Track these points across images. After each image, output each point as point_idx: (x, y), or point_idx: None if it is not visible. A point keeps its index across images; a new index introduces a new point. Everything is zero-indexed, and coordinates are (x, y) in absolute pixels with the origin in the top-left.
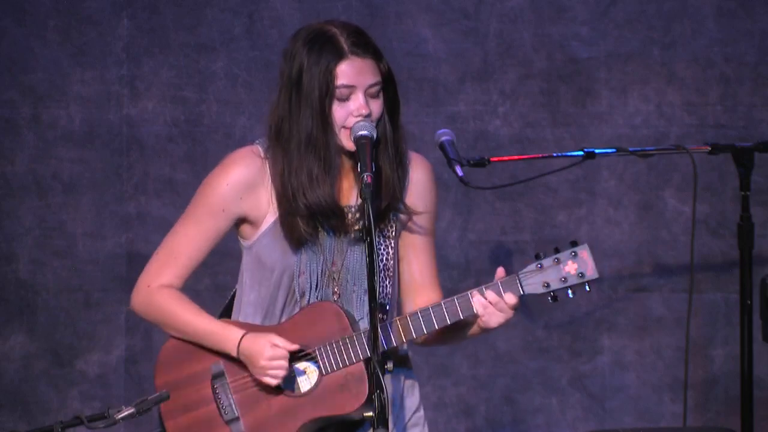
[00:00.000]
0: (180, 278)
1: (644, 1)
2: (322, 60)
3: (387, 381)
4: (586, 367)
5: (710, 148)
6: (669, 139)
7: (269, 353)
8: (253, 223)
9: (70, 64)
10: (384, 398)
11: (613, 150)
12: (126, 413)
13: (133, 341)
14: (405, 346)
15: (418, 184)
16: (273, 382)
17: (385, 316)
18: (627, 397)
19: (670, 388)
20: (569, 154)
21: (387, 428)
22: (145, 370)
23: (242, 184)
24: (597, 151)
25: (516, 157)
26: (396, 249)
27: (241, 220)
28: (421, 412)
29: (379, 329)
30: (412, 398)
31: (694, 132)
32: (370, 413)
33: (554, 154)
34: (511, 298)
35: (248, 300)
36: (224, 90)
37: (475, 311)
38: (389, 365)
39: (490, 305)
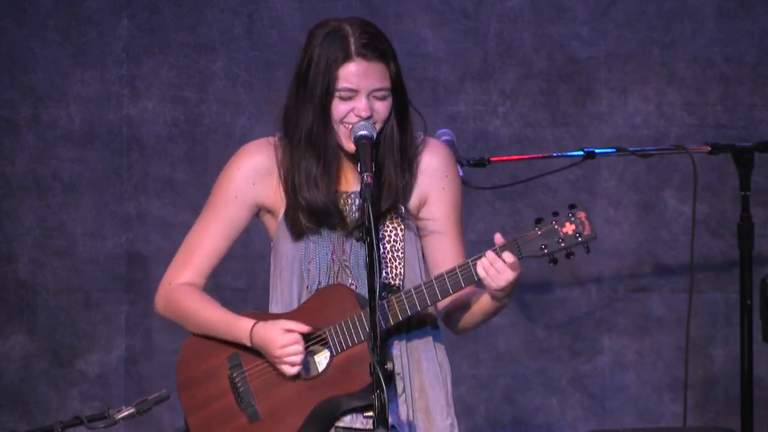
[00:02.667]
0: (201, 274)
1: (644, 1)
2: (328, 58)
3: (425, 360)
4: (586, 367)
5: (710, 148)
6: (669, 139)
7: (282, 340)
8: (273, 212)
9: (70, 64)
10: (384, 398)
11: (613, 150)
12: (126, 413)
13: (133, 341)
14: (435, 316)
15: (431, 168)
16: (291, 371)
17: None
18: (627, 397)
19: (670, 388)
20: (569, 154)
21: (387, 428)
22: (145, 370)
23: (254, 170)
24: (597, 151)
25: (516, 157)
26: (405, 231)
27: (260, 209)
28: (451, 419)
29: (378, 327)
30: (442, 402)
31: (694, 132)
32: (370, 413)
33: (554, 154)
34: (509, 257)
35: (274, 299)
36: (224, 90)
37: (464, 285)
38: (389, 365)
39: (491, 267)
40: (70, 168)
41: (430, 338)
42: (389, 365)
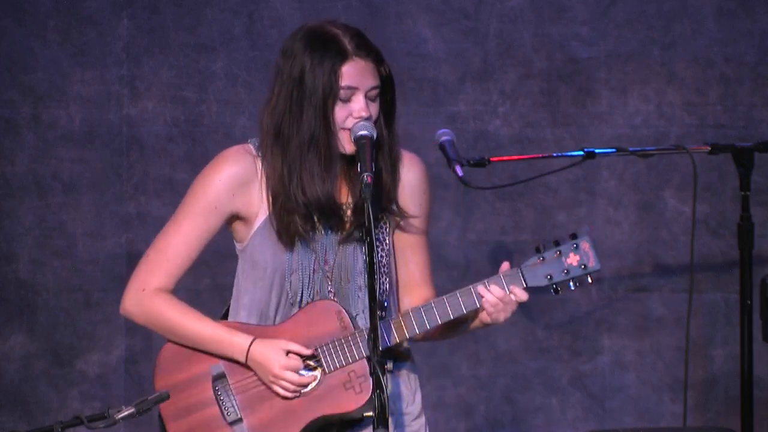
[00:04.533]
0: (173, 279)
1: (644, 1)
2: (326, 60)
3: (388, 378)
4: (586, 367)
5: (710, 148)
6: (669, 139)
7: (284, 363)
8: (246, 221)
9: (70, 64)
10: (384, 398)
11: (613, 150)
12: (126, 413)
13: (133, 341)
14: (406, 343)
15: (411, 185)
16: (285, 393)
17: (383, 313)
18: (627, 397)
19: (670, 388)
20: (569, 154)
21: (387, 428)
22: (145, 370)
23: (234, 181)
24: (597, 151)
25: (516, 157)
26: (390, 246)
27: (233, 218)
28: (423, 419)
29: (379, 328)
30: (414, 404)
31: (694, 132)
32: (371, 413)
33: (554, 154)
34: (519, 293)
35: (242, 304)
36: (224, 90)
37: (479, 306)
38: (389, 365)
39: (499, 302)
40: (70, 168)
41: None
42: (389, 365)
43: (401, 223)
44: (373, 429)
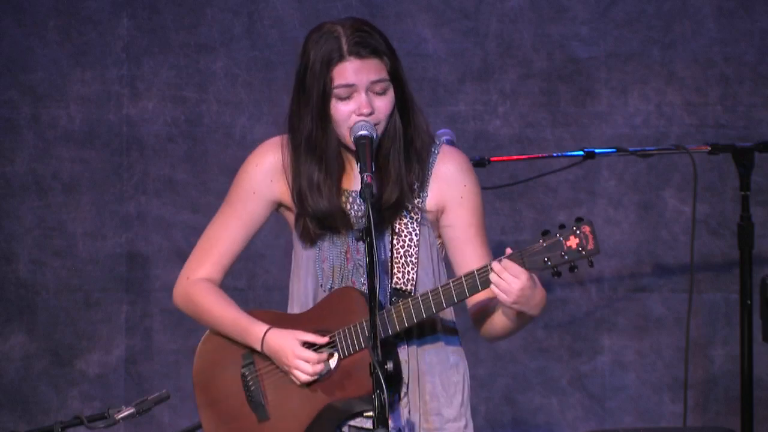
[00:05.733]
0: (219, 269)
1: (644, 1)
2: (322, 60)
3: (419, 373)
4: (586, 367)
5: (710, 148)
6: (669, 139)
7: (297, 353)
8: (291, 210)
9: (70, 64)
10: (384, 398)
11: (613, 150)
12: (126, 413)
13: (133, 341)
14: (451, 319)
15: (446, 178)
16: (303, 379)
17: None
18: (627, 397)
19: (670, 388)
20: (569, 154)
21: (387, 428)
22: (145, 370)
23: (271, 167)
24: (597, 151)
25: (516, 157)
26: (420, 235)
27: (280, 207)
28: (462, 423)
29: (378, 327)
30: (451, 407)
31: (694, 132)
32: (370, 414)
33: (554, 154)
34: (513, 268)
35: (292, 294)
36: (224, 90)
37: (480, 288)
38: (389, 365)
39: (497, 277)
40: (70, 168)
41: (442, 343)
42: (389, 365)
43: (443, 215)
44: (373, 428)
